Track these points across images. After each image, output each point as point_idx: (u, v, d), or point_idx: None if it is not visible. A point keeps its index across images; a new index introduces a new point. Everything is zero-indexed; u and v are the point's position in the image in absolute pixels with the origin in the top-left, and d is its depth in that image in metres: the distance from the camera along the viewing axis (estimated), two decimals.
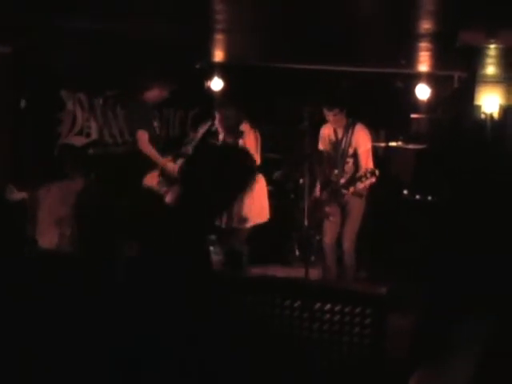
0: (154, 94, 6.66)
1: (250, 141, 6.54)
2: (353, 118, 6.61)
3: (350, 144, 6.57)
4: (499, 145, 8.28)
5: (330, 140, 6.72)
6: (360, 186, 6.30)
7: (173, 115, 8.41)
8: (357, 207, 6.60)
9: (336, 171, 6.61)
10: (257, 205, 6.56)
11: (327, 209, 6.62)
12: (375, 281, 6.72)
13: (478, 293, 4.67)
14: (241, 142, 6.51)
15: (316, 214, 6.68)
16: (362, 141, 6.58)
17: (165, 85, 6.72)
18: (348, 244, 6.62)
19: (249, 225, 6.59)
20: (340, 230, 6.66)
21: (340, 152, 6.61)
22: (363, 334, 4.49)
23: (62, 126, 7.44)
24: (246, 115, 6.60)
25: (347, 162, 6.59)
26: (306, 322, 4.59)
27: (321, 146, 6.84)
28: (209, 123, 6.81)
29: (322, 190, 6.73)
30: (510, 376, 3.82)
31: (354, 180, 6.38)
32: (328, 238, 6.74)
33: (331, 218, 6.63)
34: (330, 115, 6.55)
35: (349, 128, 6.59)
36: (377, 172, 6.22)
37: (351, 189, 6.37)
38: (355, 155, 6.57)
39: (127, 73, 7.34)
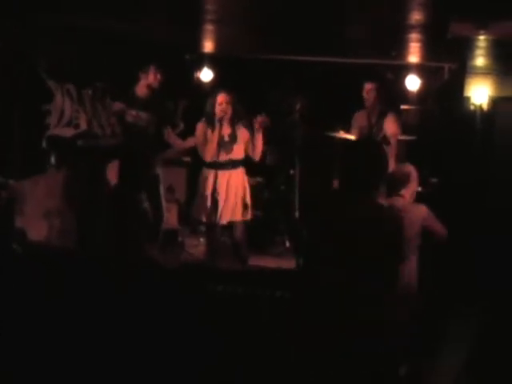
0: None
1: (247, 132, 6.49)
2: (388, 105, 6.91)
3: (380, 129, 6.69)
4: (488, 136, 8.30)
5: (362, 127, 6.84)
6: None
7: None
8: None
9: None
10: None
11: None
12: None
13: (470, 287, 4.70)
14: (238, 131, 6.45)
15: None
16: (392, 126, 6.81)
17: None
18: None
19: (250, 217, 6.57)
20: None
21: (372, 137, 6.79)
22: None
23: (50, 117, 7.37)
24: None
25: None
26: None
27: (353, 135, 7.04)
28: None
29: None
30: (500, 365, 3.86)
31: None
32: None
33: None
34: (366, 91, 6.86)
35: (382, 114, 6.82)
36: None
37: None
38: (385, 142, 6.68)
39: (116, 64, 7.30)
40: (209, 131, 6.36)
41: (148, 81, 7.03)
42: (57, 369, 4.11)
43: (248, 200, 6.41)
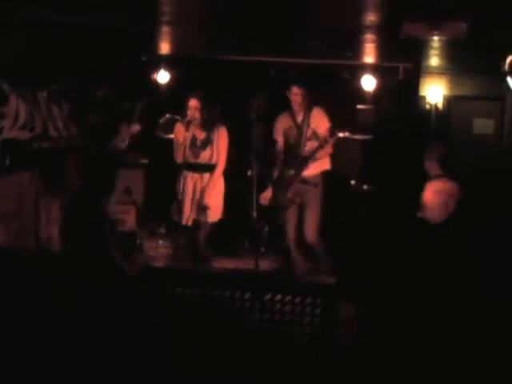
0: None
1: (224, 136, 6.51)
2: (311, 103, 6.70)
3: (308, 126, 6.64)
4: (444, 134, 8.44)
5: (288, 128, 6.77)
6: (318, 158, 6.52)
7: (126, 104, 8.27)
8: (315, 197, 6.67)
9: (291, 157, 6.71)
10: (219, 201, 6.61)
11: (289, 194, 6.68)
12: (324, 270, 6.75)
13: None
14: (214, 136, 6.47)
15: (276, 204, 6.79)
16: (320, 121, 6.63)
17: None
18: (311, 234, 6.66)
19: (214, 219, 6.60)
20: (300, 222, 6.75)
21: (302, 136, 6.65)
22: (314, 324, 4.54)
23: (4, 120, 7.31)
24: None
25: (305, 146, 6.65)
26: (257, 313, 4.62)
27: (276, 136, 6.89)
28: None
29: (276, 182, 6.80)
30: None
31: (316, 150, 6.54)
32: (291, 231, 6.83)
33: (297, 201, 6.70)
34: (292, 95, 6.62)
35: (307, 112, 6.65)
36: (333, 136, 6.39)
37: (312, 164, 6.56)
38: (315, 138, 6.62)
39: (72, 66, 7.25)
40: (185, 134, 6.44)
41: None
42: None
43: (209, 202, 6.45)
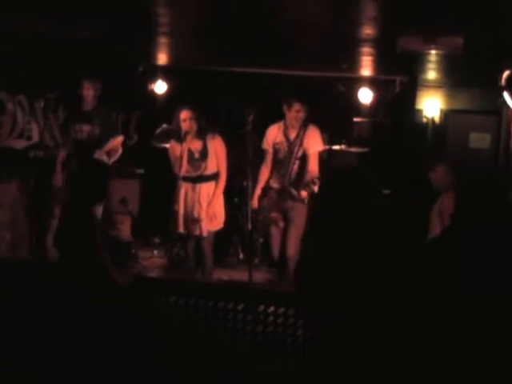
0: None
1: (221, 145, 6.49)
2: (307, 119, 6.55)
3: (300, 145, 6.55)
4: (440, 148, 8.45)
5: (279, 142, 6.70)
6: (303, 194, 6.27)
7: (115, 117, 8.25)
8: (300, 213, 6.49)
9: (279, 173, 6.63)
10: (221, 209, 6.58)
11: (273, 214, 6.61)
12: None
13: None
14: (210, 145, 6.43)
15: (260, 219, 6.68)
16: (314, 142, 6.52)
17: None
18: (292, 250, 6.50)
19: (217, 227, 6.57)
20: (284, 237, 6.63)
21: (292, 154, 6.54)
22: (306, 336, 4.53)
23: (1, 128, 7.33)
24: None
25: (294, 164, 6.56)
26: (250, 324, 4.61)
27: (265, 146, 6.80)
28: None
29: (263, 194, 6.73)
30: None
31: (298, 186, 6.36)
32: (276, 247, 6.75)
33: (281, 224, 6.62)
34: (291, 111, 6.48)
35: (302, 129, 6.53)
36: (318, 181, 6.20)
37: (295, 192, 6.36)
38: (303, 157, 6.52)
39: (68, 75, 7.26)
40: (179, 147, 6.37)
41: (83, 94, 6.94)
42: None
43: (214, 211, 6.42)
